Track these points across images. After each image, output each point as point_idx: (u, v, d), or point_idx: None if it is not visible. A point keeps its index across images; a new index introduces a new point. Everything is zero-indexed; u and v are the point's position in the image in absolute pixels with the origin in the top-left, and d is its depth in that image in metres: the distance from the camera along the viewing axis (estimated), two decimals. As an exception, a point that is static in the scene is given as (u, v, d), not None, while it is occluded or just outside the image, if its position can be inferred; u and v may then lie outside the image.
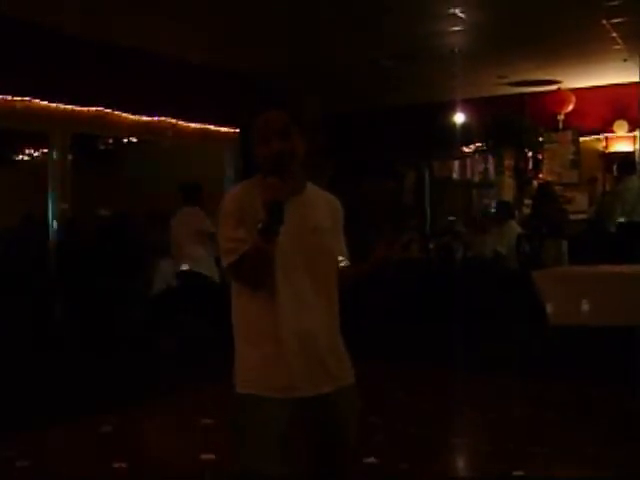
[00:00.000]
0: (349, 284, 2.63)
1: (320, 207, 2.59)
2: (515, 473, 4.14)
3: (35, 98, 8.56)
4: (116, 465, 4.30)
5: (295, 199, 2.49)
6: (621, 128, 12.02)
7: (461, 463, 4.79)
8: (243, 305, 2.50)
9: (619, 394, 5.75)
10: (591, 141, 12.35)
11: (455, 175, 12.83)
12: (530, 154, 12.04)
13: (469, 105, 12.36)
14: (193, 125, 10.67)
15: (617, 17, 8.40)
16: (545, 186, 10.07)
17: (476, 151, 12.52)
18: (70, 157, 9.15)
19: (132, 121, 9.80)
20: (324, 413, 2.49)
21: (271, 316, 2.42)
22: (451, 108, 12.47)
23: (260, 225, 2.31)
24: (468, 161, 12.66)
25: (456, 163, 12.79)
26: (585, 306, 6.40)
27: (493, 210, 10.67)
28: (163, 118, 10.17)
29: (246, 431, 2.42)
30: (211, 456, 4.40)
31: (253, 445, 2.39)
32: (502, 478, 3.99)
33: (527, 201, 11.41)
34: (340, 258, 2.63)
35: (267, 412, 2.39)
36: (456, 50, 9.72)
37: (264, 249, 2.34)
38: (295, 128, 2.48)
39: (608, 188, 11.61)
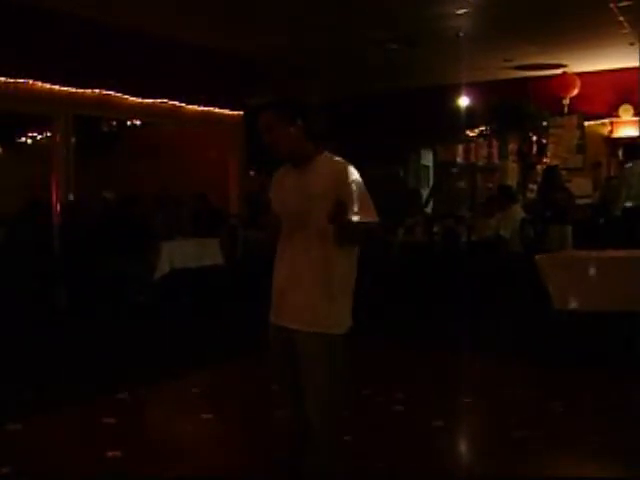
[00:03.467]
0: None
1: (322, 176, 2.95)
2: (508, 467, 4.15)
3: (38, 80, 8.55)
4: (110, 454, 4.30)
5: (297, 171, 3.03)
6: (626, 113, 11.98)
7: (453, 448, 4.76)
8: None
9: (621, 379, 5.74)
10: (596, 125, 12.31)
11: (459, 159, 12.79)
12: (535, 138, 12.00)
13: (474, 89, 12.30)
14: (197, 108, 10.65)
15: (625, 0, 8.33)
16: (551, 170, 10.02)
17: (480, 135, 12.48)
18: (73, 140, 9.14)
19: (135, 103, 9.78)
20: (293, 345, 3.00)
21: (277, 263, 3.09)
22: (456, 92, 12.41)
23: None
24: (472, 145, 12.62)
25: (460, 147, 12.75)
26: (588, 291, 6.41)
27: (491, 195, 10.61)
28: (166, 100, 10.15)
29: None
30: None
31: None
32: (499, 477, 3.96)
33: (531, 185, 11.38)
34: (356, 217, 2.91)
35: (270, 334, 3.13)
36: (461, 33, 9.66)
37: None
38: (278, 122, 2.96)
39: (613, 173, 11.59)
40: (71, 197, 8.91)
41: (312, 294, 2.96)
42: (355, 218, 2.83)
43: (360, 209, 2.86)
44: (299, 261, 2.98)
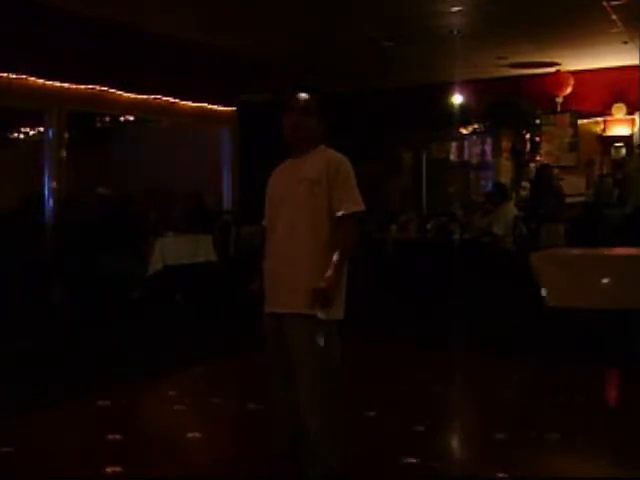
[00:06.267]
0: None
1: (316, 164, 3.09)
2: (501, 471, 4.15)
3: (31, 76, 8.51)
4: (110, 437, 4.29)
5: (294, 162, 3.16)
6: (619, 111, 12.00)
7: (445, 447, 4.73)
8: None
9: (615, 377, 5.76)
10: (589, 124, 12.34)
11: (453, 157, 12.81)
12: (528, 136, 12.03)
13: (468, 86, 12.32)
14: (191, 104, 10.62)
15: (617, -1, 8.36)
16: (543, 169, 10.03)
17: (474, 133, 12.50)
18: (67, 135, 9.11)
19: (129, 99, 9.75)
20: (283, 330, 3.04)
21: (266, 252, 3.16)
22: (450, 89, 12.43)
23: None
24: (466, 143, 12.65)
25: (454, 144, 12.77)
26: (582, 288, 6.43)
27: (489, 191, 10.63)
28: (160, 96, 10.12)
29: None
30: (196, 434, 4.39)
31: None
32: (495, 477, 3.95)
33: (524, 183, 11.41)
34: (343, 206, 3.04)
35: (264, 324, 3.18)
36: (455, 31, 9.67)
37: None
38: (315, 109, 3.14)
39: (605, 171, 11.63)
40: (64, 193, 8.88)
41: (302, 276, 2.98)
42: (344, 210, 3.02)
43: (348, 199, 3.04)
44: (288, 245, 3.03)
